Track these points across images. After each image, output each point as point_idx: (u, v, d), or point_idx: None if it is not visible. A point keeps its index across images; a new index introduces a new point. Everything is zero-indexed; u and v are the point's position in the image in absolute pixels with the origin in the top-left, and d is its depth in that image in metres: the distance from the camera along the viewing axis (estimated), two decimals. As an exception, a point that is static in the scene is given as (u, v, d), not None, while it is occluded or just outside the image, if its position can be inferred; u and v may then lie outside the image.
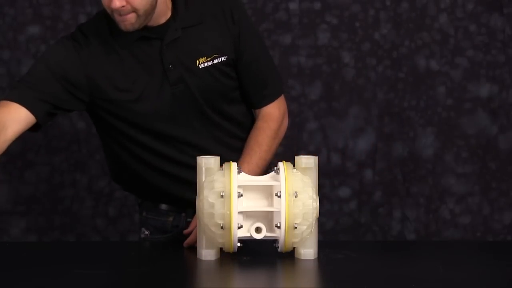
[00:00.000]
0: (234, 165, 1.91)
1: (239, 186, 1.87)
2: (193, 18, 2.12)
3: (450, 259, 2.02)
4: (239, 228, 1.86)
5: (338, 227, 2.93)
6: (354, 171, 2.93)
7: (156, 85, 2.09)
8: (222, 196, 1.85)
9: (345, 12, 2.91)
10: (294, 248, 1.93)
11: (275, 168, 1.92)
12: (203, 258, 1.93)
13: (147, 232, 2.22)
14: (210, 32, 2.13)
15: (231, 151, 2.14)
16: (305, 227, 1.89)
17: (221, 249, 1.93)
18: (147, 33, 2.08)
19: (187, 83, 2.10)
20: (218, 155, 1.96)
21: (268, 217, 1.90)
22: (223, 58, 2.13)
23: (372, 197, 2.95)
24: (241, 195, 1.86)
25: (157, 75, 2.09)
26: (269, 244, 1.91)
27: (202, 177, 1.92)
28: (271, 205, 1.89)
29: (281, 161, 1.93)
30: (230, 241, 1.87)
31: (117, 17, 2.03)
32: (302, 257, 1.94)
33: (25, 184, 2.88)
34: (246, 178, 1.91)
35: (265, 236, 1.89)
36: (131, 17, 2.02)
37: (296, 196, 1.86)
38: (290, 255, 1.94)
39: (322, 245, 1.97)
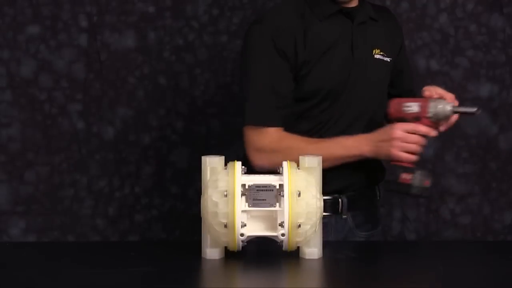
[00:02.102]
0: (238, 164, 1.92)
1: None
2: (373, 13, 2.26)
3: (450, 259, 2.02)
4: (243, 226, 1.87)
5: (338, 227, 2.93)
6: (354, 171, 2.93)
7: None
8: (225, 195, 1.87)
9: (345, 12, 2.91)
10: (298, 247, 1.94)
11: (279, 168, 1.93)
12: (208, 257, 1.94)
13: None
14: (383, 31, 2.26)
15: None
16: (308, 226, 1.89)
17: (225, 248, 1.93)
18: (344, 9, 2.20)
19: (366, 65, 2.21)
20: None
21: (272, 216, 1.90)
22: (389, 59, 2.26)
23: (372, 197, 2.95)
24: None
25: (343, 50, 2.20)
26: (274, 243, 1.92)
27: (207, 176, 1.93)
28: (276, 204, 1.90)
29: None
30: (234, 240, 1.88)
31: None
32: (307, 257, 1.94)
33: (24, 184, 2.88)
34: (249, 178, 1.91)
35: (269, 235, 1.89)
36: None
37: (299, 195, 1.87)
38: (294, 255, 1.94)
39: (322, 245, 1.97)
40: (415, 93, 2.34)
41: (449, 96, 2.14)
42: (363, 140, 2.14)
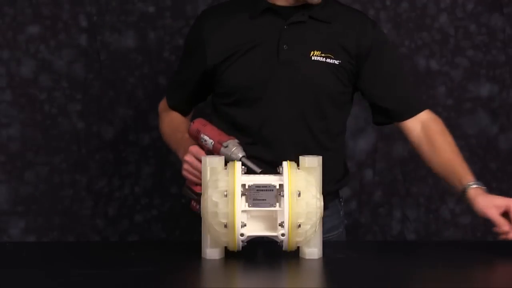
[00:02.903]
0: (238, 164, 1.92)
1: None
2: (324, 15, 2.20)
3: (450, 259, 2.02)
4: (243, 226, 1.87)
5: (338, 227, 2.93)
6: (354, 171, 2.92)
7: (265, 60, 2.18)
8: (225, 195, 1.87)
9: (345, 12, 2.91)
10: (298, 247, 1.94)
11: (279, 168, 1.93)
12: (208, 257, 1.94)
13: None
14: (334, 32, 2.19)
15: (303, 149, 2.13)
16: (308, 226, 1.89)
17: (225, 248, 1.93)
18: (275, 8, 2.18)
19: (298, 67, 2.17)
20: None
21: (272, 216, 1.90)
22: (336, 62, 2.18)
23: (372, 197, 2.95)
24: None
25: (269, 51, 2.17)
26: (274, 243, 1.92)
27: (207, 176, 1.93)
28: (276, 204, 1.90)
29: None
30: (234, 240, 1.88)
31: None
32: (307, 257, 1.94)
33: (24, 184, 2.87)
34: (249, 178, 1.91)
35: (269, 235, 1.89)
36: None
37: (299, 195, 1.87)
38: (294, 255, 1.94)
39: (322, 245, 1.97)
40: (413, 104, 2.29)
41: None
42: (182, 147, 2.16)
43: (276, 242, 1.91)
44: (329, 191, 2.21)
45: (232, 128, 2.19)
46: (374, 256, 2.08)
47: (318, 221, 1.92)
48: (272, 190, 1.90)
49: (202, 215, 1.93)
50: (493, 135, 2.95)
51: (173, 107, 2.34)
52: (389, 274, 1.88)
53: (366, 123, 2.91)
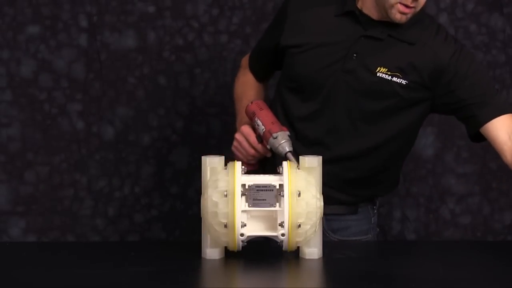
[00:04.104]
0: (238, 164, 1.92)
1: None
2: (407, 35, 2.15)
3: (450, 259, 2.02)
4: (243, 226, 1.87)
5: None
6: (354, 171, 2.93)
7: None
8: (225, 195, 1.87)
9: (345, 12, 2.90)
10: (298, 247, 1.94)
11: (279, 168, 1.93)
12: (208, 257, 1.94)
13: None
14: (409, 55, 2.14)
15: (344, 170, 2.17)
16: (308, 226, 1.89)
17: (225, 248, 1.93)
18: (360, 14, 2.16)
19: (357, 79, 2.15)
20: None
21: (272, 216, 1.90)
22: (403, 82, 2.14)
23: (372, 197, 2.95)
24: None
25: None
26: (274, 243, 1.92)
27: (207, 176, 1.93)
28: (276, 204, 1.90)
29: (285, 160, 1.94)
30: (234, 240, 1.88)
31: (401, 7, 2.08)
32: (307, 257, 1.94)
33: (24, 184, 2.87)
34: (249, 178, 1.91)
35: (269, 235, 1.89)
36: (411, 11, 2.09)
37: (299, 195, 1.87)
38: (294, 255, 1.94)
39: (322, 245, 1.97)
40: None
41: None
42: (239, 119, 2.25)
43: (276, 242, 1.91)
44: (363, 195, 2.24)
45: (284, 116, 2.21)
46: (374, 256, 2.08)
47: (318, 221, 1.92)
48: (272, 190, 1.90)
49: (202, 215, 1.93)
50: (493, 135, 2.94)
51: (251, 68, 2.36)
52: (389, 274, 1.88)
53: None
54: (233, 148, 2.19)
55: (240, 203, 1.87)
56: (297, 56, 2.20)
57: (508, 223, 2.96)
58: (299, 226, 1.88)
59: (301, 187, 1.89)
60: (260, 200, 1.90)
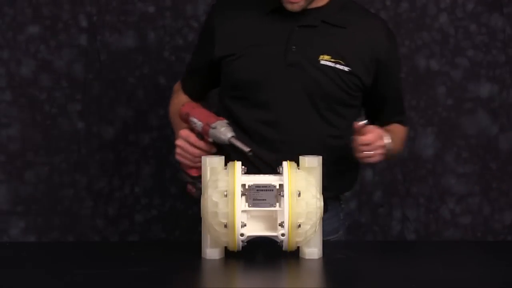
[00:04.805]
0: (238, 164, 1.92)
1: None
2: (338, 20, 2.17)
3: (450, 259, 2.02)
4: (243, 226, 1.87)
5: (338, 227, 2.93)
6: (354, 171, 2.93)
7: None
8: (225, 195, 1.87)
9: (345, 12, 2.90)
10: (298, 247, 1.94)
11: (279, 168, 1.93)
12: (207, 257, 1.94)
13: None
14: (348, 38, 2.16)
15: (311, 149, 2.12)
16: (308, 226, 1.89)
17: (225, 248, 1.93)
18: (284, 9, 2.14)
19: (305, 69, 2.14)
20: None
21: (272, 216, 1.90)
22: (346, 68, 2.15)
23: (372, 197, 2.95)
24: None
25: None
26: (274, 243, 1.91)
27: (207, 176, 1.93)
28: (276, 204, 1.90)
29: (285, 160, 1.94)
30: (234, 240, 1.88)
31: None
32: (307, 257, 1.94)
33: (24, 184, 2.87)
34: (249, 178, 1.91)
35: (269, 235, 1.89)
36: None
37: (299, 195, 1.87)
38: (294, 255, 1.94)
39: (322, 245, 1.97)
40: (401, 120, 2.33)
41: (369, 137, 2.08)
42: (178, 131, 2.18)
43: (276, 242, 1.91)
44: (328, 192, 2.21)
45: (236, 125, 2.16)
46: (374, 256, 2.08)
47: (318, 221, 1.92)
48: (272, 190, 1.90)
49: (202, 215, 1.93)
50: (493, 135, 2.95)
51: (185, 91, 2.33)
52: (389, 274, 1.88)
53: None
54: (177, 156, 2.13)
55: (240, 203, 1.87)
56: (235, 62, 2.17)
57: (508, 223, 2.96)
58: (299, 226, 1.88)
59: (301, 187, 1.89)
60: (260, 200, 1.90)
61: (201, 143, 2.10)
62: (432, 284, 1.81)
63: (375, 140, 2.07)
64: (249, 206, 1.89)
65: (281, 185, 1.89)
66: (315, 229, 1.92)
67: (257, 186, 1.90)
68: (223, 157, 1.96)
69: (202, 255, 1.95)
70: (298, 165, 1.94)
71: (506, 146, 2.95)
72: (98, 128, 2.88)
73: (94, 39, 2.86)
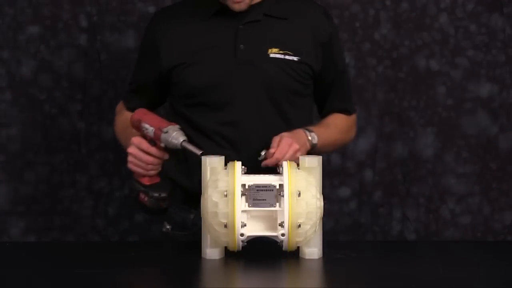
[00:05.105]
0: (238, 164, 1.92)
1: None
2: (280, 11, 2.18)
3: (450, 259, 2.02)
4: (243, 226, 1.87)
5: (338, 227, 2.93)
6: (354, 171, 2.93)
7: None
8: (225, 195, 1.87)
9: (345, 12, 2.90)
10: (298, 247, 1.94)
11: (279, 168, 1.93)
12: (208, 257, 1.94)
13: (168, 227, 2.15)
14: (291, 28, 2.18)
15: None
16: (308, 226, 1.89)
17: (225, 248, 1.93)
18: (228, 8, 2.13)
19: (257, 66, 2.14)
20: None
21: (272, 216, 1.90)
22: (295, 58, 2.16)
23: (372, 197, 2.95)
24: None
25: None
26: (274, 243, 1.91)
27: (207, 176, 1.93)
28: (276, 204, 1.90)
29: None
30: (234, 240, 1.88)
31: None
32: (307, 257, 1.94)
33: (24, 184, 2.87)
34: (249, 178, 1.91)
35: (269, 235, 1.89)
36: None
37: (299, 195, 1.87)
38: (294, 255, 1.94)
39: (322, 245, 1.97)
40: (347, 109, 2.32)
41: (277, 151, 2.02)
42: (129, 141, 2.12)
43: (276, 242, 1.91)
44: None
45: (194, 131, 2.16)
46: (374, 256, 2.08)
47: (318, 221, 1.92)
48: (272, 190, 1.90)
49: (202, 215, 1.93)
50: (493, 135, 2.95)
51: (130, 110, 2.25)
52: (389, 274, 1.88)
53: (366, 123, 2.91)
54: (129, 165, 2.07)
55: (240, 203, 1.87)
56: (186, 70, 2.16)
57: (508, 223, 2.96)
58: (299, 226, 1.88)
59: (301, 187, 1.89)
60: (260, 200, 1.90)
61: (153, 149, 2.05)
62: (432, 284, 1.81)
63: (284, 151, 2.02)
64: (249, 206, 1.89)
65: (281, 185, 1.89)
66: (315, 229, 1.92)
67: (257, 186, 1.90)
68: (223, 157, 1.96)
69: (202, 255, 1.95)
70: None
71: (506, 146, 2.95)
72: (98, 128, 2.88)
73: (94, 39, 2.87)
